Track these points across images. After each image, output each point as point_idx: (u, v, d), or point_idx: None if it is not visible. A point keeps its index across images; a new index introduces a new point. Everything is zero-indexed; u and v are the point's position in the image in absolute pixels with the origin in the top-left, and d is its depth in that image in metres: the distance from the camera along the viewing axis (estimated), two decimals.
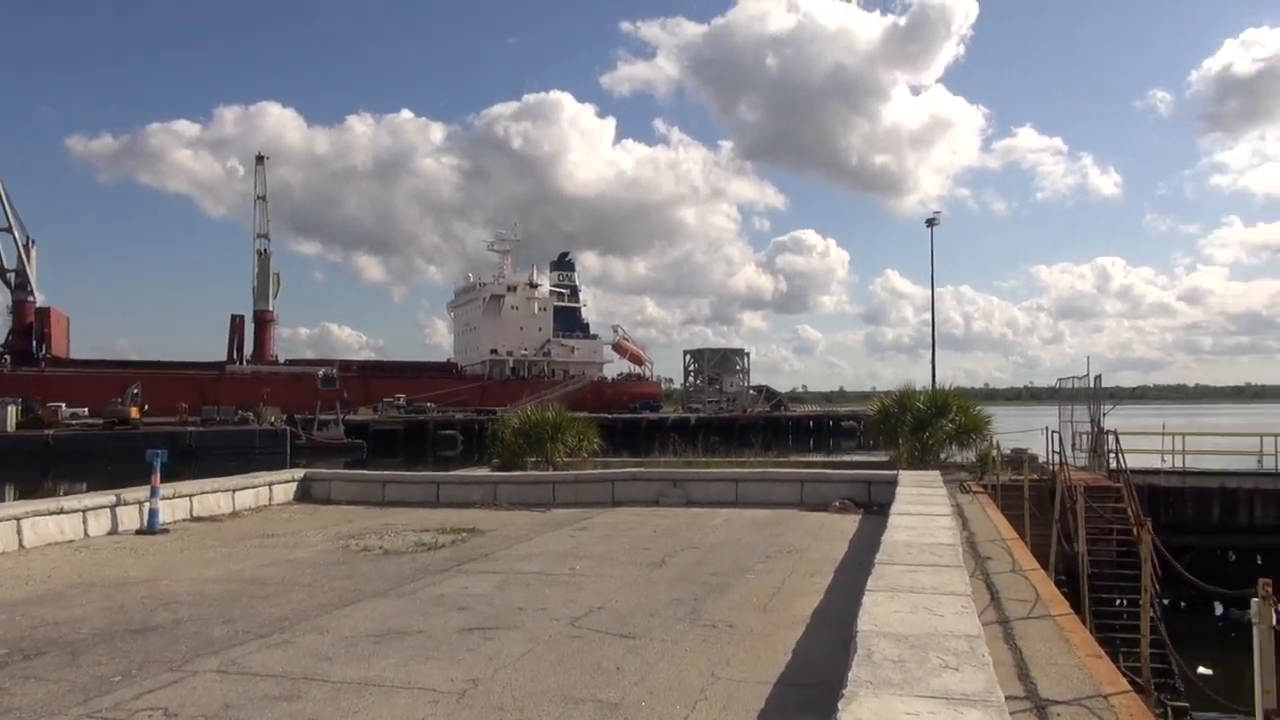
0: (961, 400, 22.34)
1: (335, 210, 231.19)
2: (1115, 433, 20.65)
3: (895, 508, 10.05)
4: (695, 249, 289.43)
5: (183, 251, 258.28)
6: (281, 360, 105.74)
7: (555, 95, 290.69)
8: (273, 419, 71.83)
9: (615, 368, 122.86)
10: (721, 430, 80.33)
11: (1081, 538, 11.93)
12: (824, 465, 21.63)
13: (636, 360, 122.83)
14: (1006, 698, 3.68)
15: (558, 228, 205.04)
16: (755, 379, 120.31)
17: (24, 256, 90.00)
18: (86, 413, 73.04)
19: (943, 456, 20.92)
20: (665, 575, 8.81)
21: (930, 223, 55.33)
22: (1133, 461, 20.09)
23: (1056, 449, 19.91)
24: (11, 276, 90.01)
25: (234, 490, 14.35)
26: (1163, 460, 21.68)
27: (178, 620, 7.03)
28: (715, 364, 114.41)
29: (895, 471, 15.83)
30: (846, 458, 35.33)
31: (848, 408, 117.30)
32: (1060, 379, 26.43)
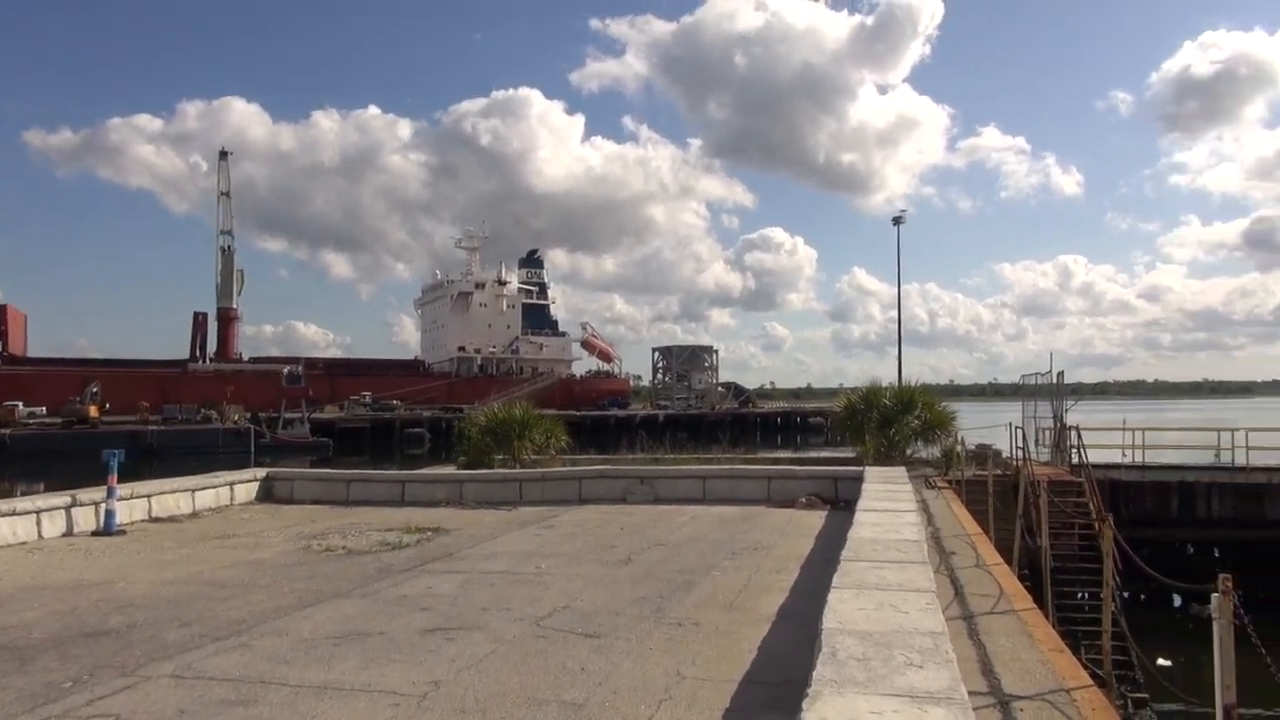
0: (927, 397, 22.49)
1: (301, 207, 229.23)
2: (1077, 428, 20.95)
3: (861, 504, 10.08)
4: (664, 246, 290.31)
5: (144, 248, 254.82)
6: (246, 358, 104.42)
7: (524, 92, 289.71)
8: (236, 417, 70.90)
9: (584, 365, 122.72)
10: (690, 427, 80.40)
11: (1044, 532, 12.05)
12: (791, 462, 21.69)
13: (605, 357, 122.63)
14: (970, 694, 3.67)
15: (526, 225, 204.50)
16: (724, 376, 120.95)
17: None
18: (45, 412, 71.70)
19: (908, 452, 21.05)
20: (631, 573, 8.76)
21: (897, 221, 55.75)
22: (1094, 456, 20.38)
23: (1020, 444, 20.16)
24: None
25: (194, 490, 14.10)
26: (1123, 455, 21.99)
27: (132, 624, 6.87)
28: (684, 361, 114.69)
29: (862, 468, 15.91)
30: (813, 454, 35.48)
31: (815, 404, 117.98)
32: (1023, 375, 26.79)
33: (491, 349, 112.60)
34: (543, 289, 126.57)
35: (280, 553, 10.29)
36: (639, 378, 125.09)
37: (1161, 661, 10.99)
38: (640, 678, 5.34)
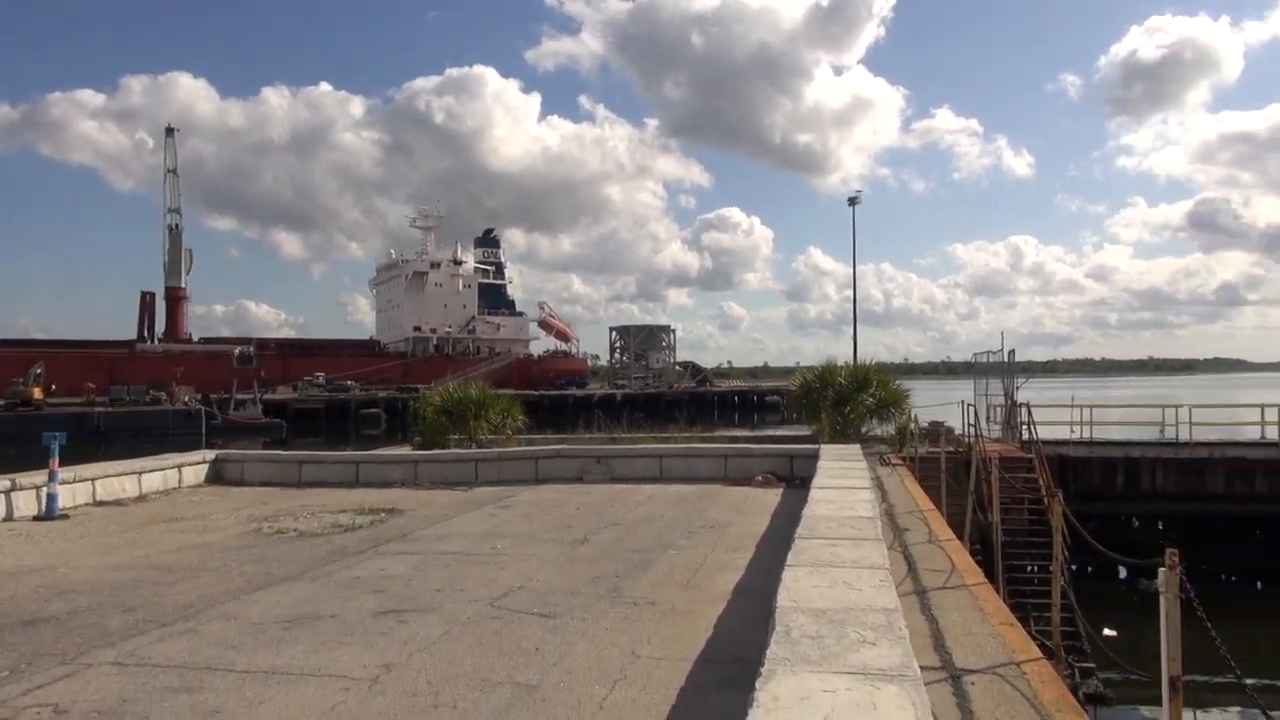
0: (881, 375, 22.72)
1: (251, 185, 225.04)
2: (1028, 406, 21.32)
3: (816, 481, 10.13)
4: (621, 226, 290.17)
5: (89, 226, 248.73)
6: (196, 338, 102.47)
7: (478, 70, 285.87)
8: (186, 399, 69.59)
9: (541, 345, 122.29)
10: (647, 406, 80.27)
11: (995, 508, 12.24)
12: (748, 440, 21.85)
13: (563, 337, 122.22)
14: (923, 668, 3.68)
15: (482, 204, 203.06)
16: (681, 355, 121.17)
17: None
18: None
19: (863, 430, 21.27)
20: (588, 553, 8.72)
21: (852, 201, 56.05)
22: (1043, 433, 20.78)
23: (972, 422, 20.47)
24: None
25: (140, 473, 13.78)
26: (1071, 431, 22.44)
27: (73, 610, 6.69)
28: (641, 340, 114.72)
29: (817, 445, 16.01)
30: (770, 432, 35.74)
31: (772, 383, 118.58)
32: (976, 354, 27.20)
33: (448, 329, 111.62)
34: (499, 269, 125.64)
35: (229, 536, 10.09)
36: (596, 357, 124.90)
37: (1107, 632, 11.22)
38: (595, 658, 5.31)
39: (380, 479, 15.21)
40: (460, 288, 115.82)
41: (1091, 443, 21.93)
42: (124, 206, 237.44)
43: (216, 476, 15.45)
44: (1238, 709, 11.48)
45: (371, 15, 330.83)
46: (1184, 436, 21.64)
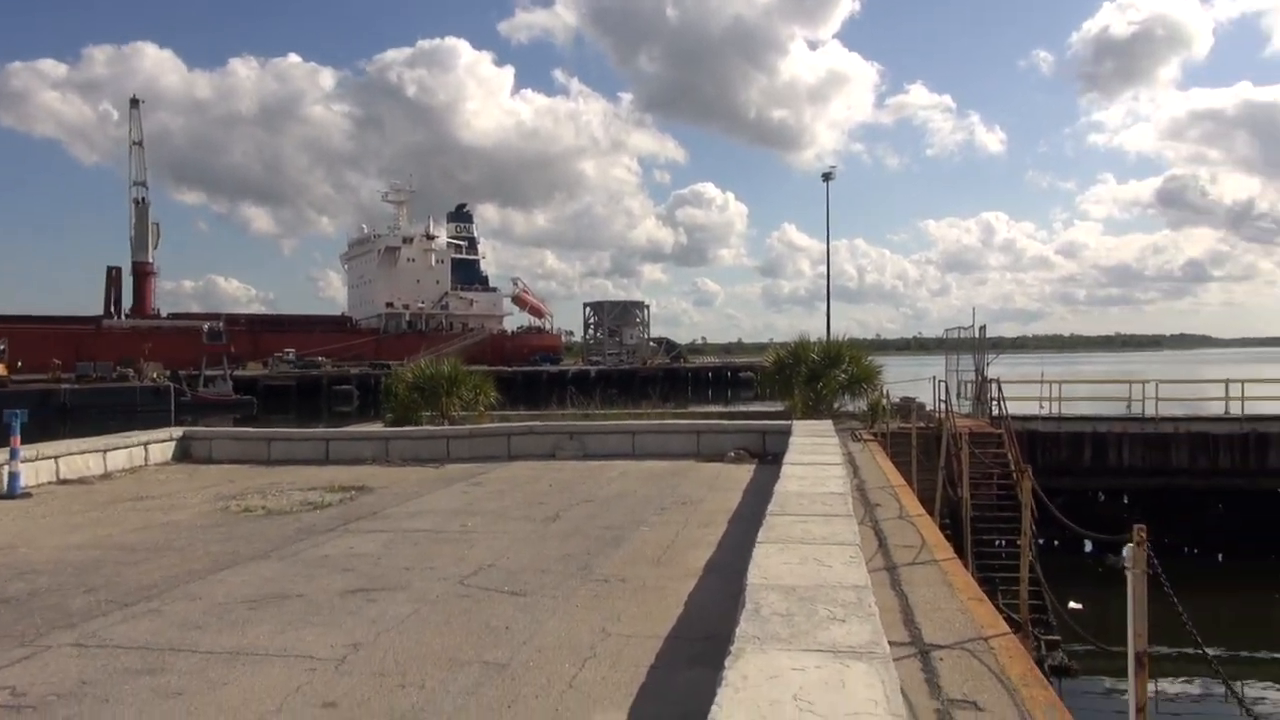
0: (854, 351, 22.81)
1: (219, 158, 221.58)
2: (998, 381, 21.48)
3: (788, 457, 10.14)
4: (595, 201, 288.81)
5: (53, 199, 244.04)
6: (164, 314, 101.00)
7: (451, 42, 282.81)
8: (155, 375, 68.59)
9: (515, 320, 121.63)
10: (621, 382, 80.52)
11: (965, 483, 12.33)
12: (721, 416, 21.86)
13: (537, 313, 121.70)
14: (892, 644, 3.68)
15: (455, 178, 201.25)
16: (655, 331, 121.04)
17: None
18: None
19: (835, 406, 21.37)
20: (559, 530, 8.69)
21: (826, 177, 56.22)
22: (1013, 409, 20.96)
23: (943, 398, 20.61)
24: None
25: (105, 450, 13.57)
26: (1040, 407, 22.63)
27: (34, 591, 6.57)
28: (615, 316, 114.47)
29: (789, 421, 16.06)
30: (743, 408, 35.83)
31: (745, 359, 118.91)
32: (947, 330, 27.33)
33: (420, 305, 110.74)
34: (472, 244, 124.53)
35: (196, 514, 9.97)
36: (571, 333, 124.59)
37: (1073, 605, 11.39)
38: (566, 636, 5.28)
39: (351, 456, 15.09)
40: (433, 263, 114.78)
41: (1060, 418, 22.15)
42: (89, 180, 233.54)
43: (184, 454, 15.26)
44: (1200, 679, 11.70)
45: None
46: (1150, 412, 21.93)
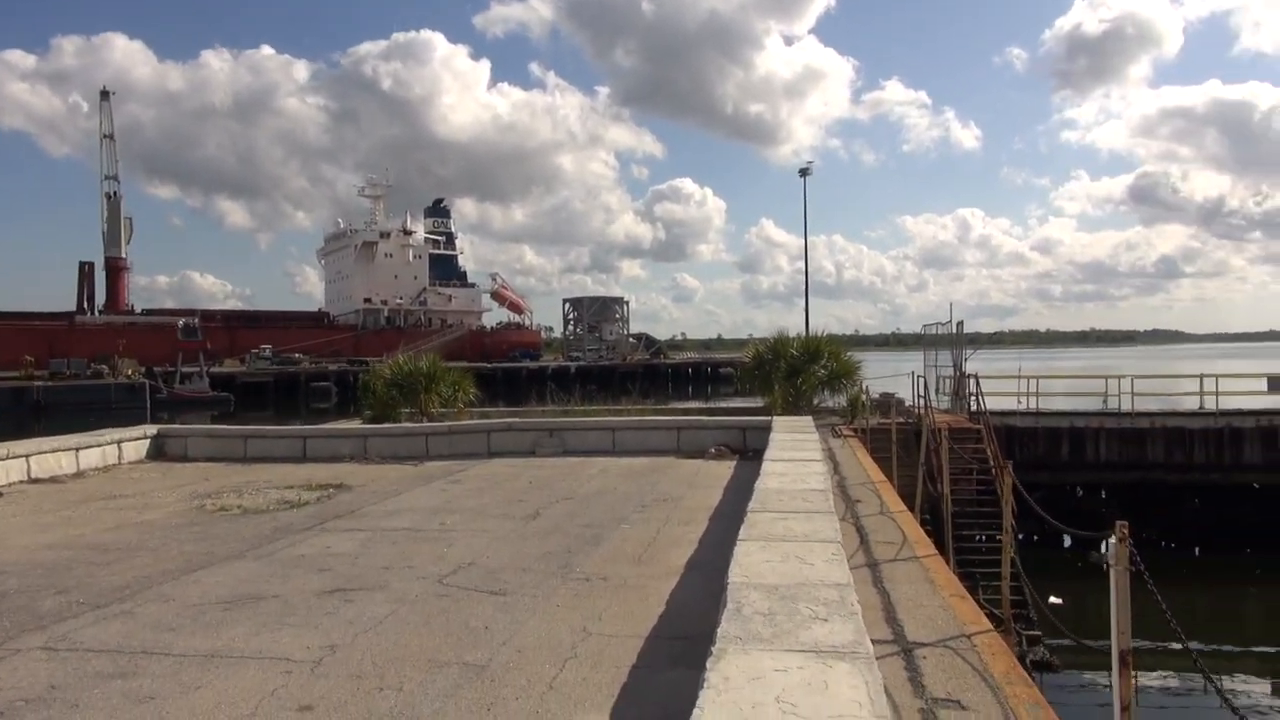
0: (833, 347, 22.83)
1: (192, 151, 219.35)
2: (976, 377, 21.58)
3: (769, 454, 10.13)
4: (573, 196, 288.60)
5: (21, 193, 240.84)
6: (138, 310, 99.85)
7: (426, 35, 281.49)
8: (130, 372, 67.86)
9: (494, 316, 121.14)
10: (601, 378, 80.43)
11: (945, 479, 12.37)
12: (701, 412, 21.86)
13: (516, 309, 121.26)
14: (875, 642, 3.66)
15: (432, 173, 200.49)
16: (635, 327, 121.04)
17: None
18: None
19: (815, 402, 21.39)
20: (539, 528, 8.63)
21: (803, 173, 56.24)
22: (991, 404, 21.06)
23: (922, 393, 20.68)
24: None
25: (77, 449, 13.36)
26: (1018, 402, 22.76)
27: (2, 593, 6.43)
28: (595, 312, 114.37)
29: (770, 418, 16.05)
30: (723, 404, 35.87)
31: (725, 355, 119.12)
32: (925, 325, 27.48)
33: (399, 300, 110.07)
34: (450, 239, 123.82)
35: (170, 513, 9.82)
36: (550, 329, 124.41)
37: (1053, 599, 11.43)
38: (546, 636, 5.22)
39: (329, 454, 14.95)
40: (410, 258, 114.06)
41: (1038, 413, 22.27)
42: (60, 173, 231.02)
43: (158, 452, 15.06)
44: (1181, 674, 11.79)
45: None
46: (1126, 407, 22.09)
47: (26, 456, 12.42)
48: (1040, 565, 14.29)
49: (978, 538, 14.19)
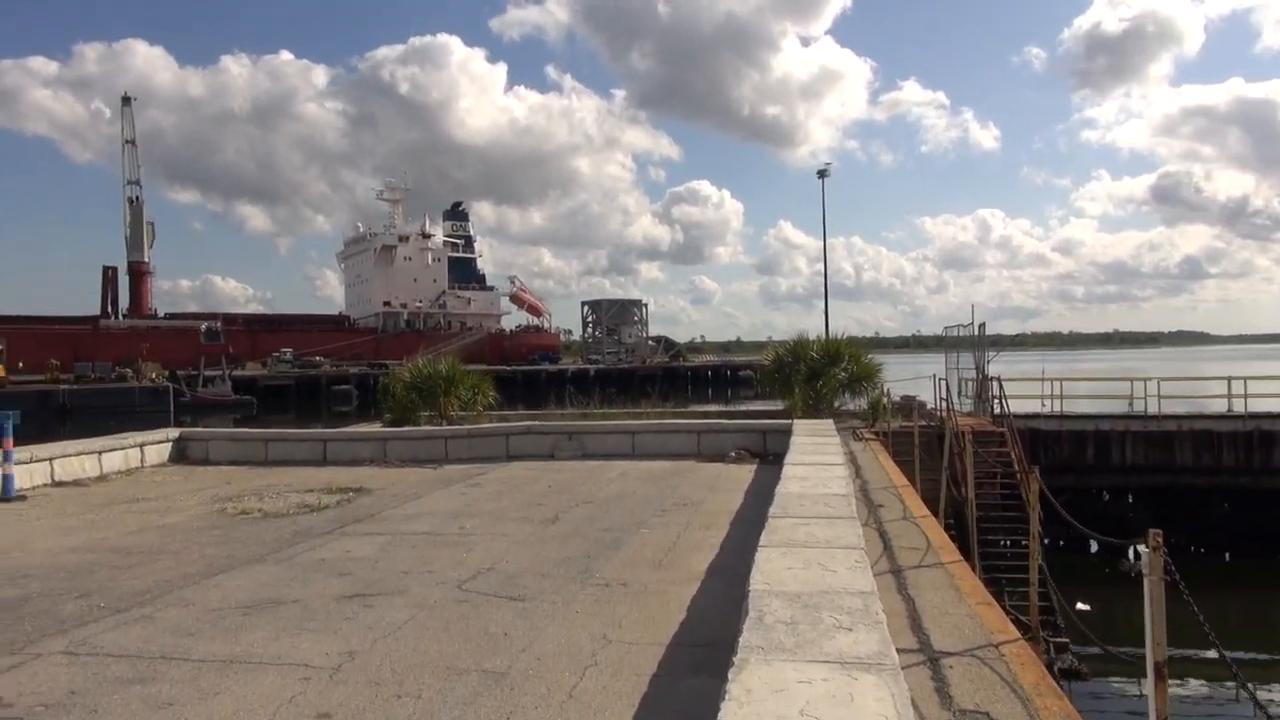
0: (853, 349, 22.68)
1: (213, 156, 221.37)
2: (999, 379, 21.34)
3: (790, 458, 10.04)
4: (591, 199, 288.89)
5: (46, 199, 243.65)
6: (161, 314, 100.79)
7: (443, 39, 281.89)
8: (154, 375, 68.50)
9: (513, 319, 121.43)
10: (620, 381, 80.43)
11: (970, 483, 12.21)
12: (720, 415, 21.76)
13: (534, 311, 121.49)
14: (900, 651, 3.58)
15: (450, 176, 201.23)
16: (654, 329, 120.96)
17: None
18: None
19: (836, 405, 21.25)
20: (558, 532, 8.58)
21: (821, 174, 56.05)
22: (1014, 407, 20.82)
23: (944, 396, 20.48)
24: None
25: (101, 452, 13.46)
26: (1042, 405, 22.49)
27: (25, 596, 6.46)
28: (613, 315, 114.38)
29: (790, 421, 15.95)
30: (743, 407, 35.74)
31: (744, 358, 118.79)
32: (946, 327, 27.20)
33: (418, 303, 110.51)
34: (468, 242, 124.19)
35: (192, 517, 9.86)
36: (569, 332, 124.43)
37: (1081, 606, 11.27)
38: (565, 643, 5.17)
39: (349, 457, 14.98)
40: (429, 261, 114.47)
41: (1062, 416, 22.02)
42: (83, 179, 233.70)
43: (180, 455, 15.15)
44: (1214, 682, 11.56)
45: None
46: (1152, 409, 21.80)
47: (50, 460, 12.52)
48: (1066, 570, 14.10)
49: (1002, 543, 14.02)
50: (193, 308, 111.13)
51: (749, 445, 14.74)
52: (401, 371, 21.57)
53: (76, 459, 12.95)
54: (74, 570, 7.28)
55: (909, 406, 20.77)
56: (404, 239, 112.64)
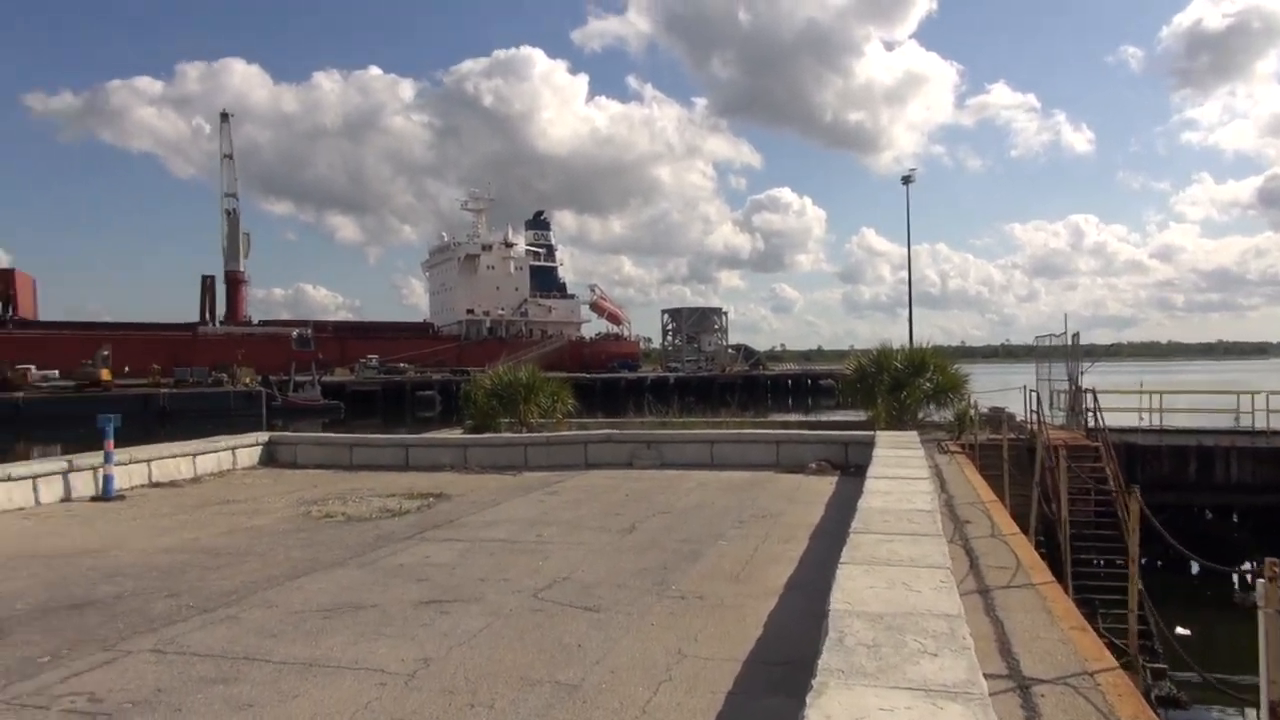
0: (939, 359, 22.09)
1: (305, 169, 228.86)
2: (1093, 391, 20.54)
3: (872, 470, 9.80)
4: (671, 208, 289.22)
5: (151, 212, 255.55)
6: (255, 321, 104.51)
7: (526, 51, 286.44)
8: (248, 380, 71.04)
9: (593, 327, 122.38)
10: (700, 390, 79.92)
11: (1063, 500, 11.73)
12: (800, 425, 21.44)
13: (614, 319, 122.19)
14: (988, 677, 3.41)
15: (532, 186, 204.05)
16: (733, 338, 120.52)
17: None
18: (58, 375, 71.92)
19: (920, 416, 20.72)
20: (635, 542, 8.52)
21: (906, 180, 54.99)
22: (1110, 420, 20.01)
23: (1035, 408, 19.78)
24: None
25: (195, 455, 13.93)
26: (1140, 418, 21.58)
27: (120, 594, 6.68)
28: (693, 323, 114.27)
29: (872, 432, 15.60)
30: (824, 417, 35.20)
31: (826, 367, 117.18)
32: (1037, 337, 26.35)
33: (500, 311, 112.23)
34: (550, 251, 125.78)
35: (278, 519, 10.10)
36: (648, 340, 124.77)
37: (1180, 630, 10.72)
38: (640, 656, 5.10)
39: (430, 462, 15.20)
40: (512, 270, 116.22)
41: (1161, 430, 21.09)
42: (183, 192, 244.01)
43: (270, 458, 15.58)
44: None
45: None
46: (1260, 424, 20.70)
47: (148, 461, 12.99)
48: (1164, 592, 13.46)
49: (1096, 562, 13.45)
50: (285, 315, 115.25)
51: (830, 456, 14.47)
52: (483, 378, 21.80)
53: (172, 461, 13.42)
54: (166, 570, 7.51)
55: (997, 419, 20.15)
56: (487, 248, 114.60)
